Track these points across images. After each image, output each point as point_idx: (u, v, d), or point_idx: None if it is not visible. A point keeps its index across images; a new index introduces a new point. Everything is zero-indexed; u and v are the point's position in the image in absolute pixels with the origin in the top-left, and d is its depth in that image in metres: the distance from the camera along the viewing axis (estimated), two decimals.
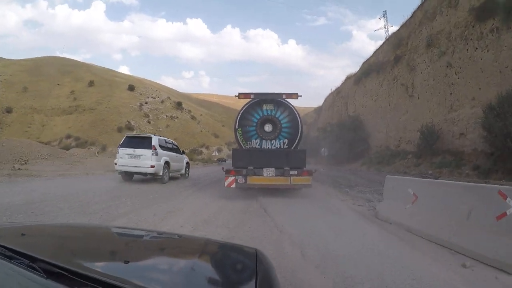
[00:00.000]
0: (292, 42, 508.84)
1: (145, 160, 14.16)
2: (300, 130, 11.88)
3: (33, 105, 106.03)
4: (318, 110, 63.78)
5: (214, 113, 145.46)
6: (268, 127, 11.85)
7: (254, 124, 11.91)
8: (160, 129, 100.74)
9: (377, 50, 40.02)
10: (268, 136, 11.81)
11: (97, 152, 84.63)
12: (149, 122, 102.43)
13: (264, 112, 11.93)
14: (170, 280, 1.37)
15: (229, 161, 18.01)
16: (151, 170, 14.16)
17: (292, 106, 12.03)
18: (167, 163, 15.14)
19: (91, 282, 1.07)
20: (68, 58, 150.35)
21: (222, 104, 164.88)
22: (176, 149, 17.24)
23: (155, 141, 14.76)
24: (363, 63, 41.85)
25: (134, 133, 15.23)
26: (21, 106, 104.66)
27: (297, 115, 11.98)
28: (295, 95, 11.67)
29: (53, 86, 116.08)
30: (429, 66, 28.04)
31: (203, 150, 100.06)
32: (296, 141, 11.87)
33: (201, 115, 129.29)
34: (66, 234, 2.11)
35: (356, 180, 18.76)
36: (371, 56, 40.47)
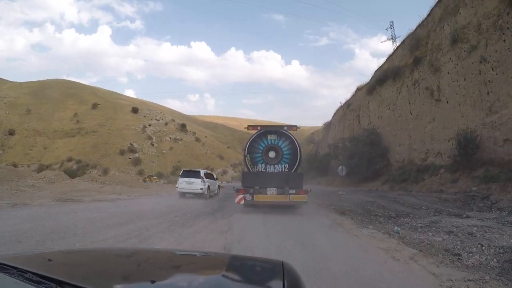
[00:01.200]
0: (295, 62, 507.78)
1: (197, 185, 21.08)
2: (299, 157, 14.13)
3: (35, 128, 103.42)
4: (327, 126, 58.90)
5: (219, 134, 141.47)
6: (272, 154, 14.01)
7: (260, 151, 14.07)
8: (164, 152, 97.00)
9: (391, 55, 35.42)
10: (272, 161, 13.97)
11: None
12: (152, 145, 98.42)
13: (268, 142, 14.05)
14: None
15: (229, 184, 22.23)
16: (200, 191, 21.02)
17: (293, 136, 14.23)
18: (208, 187, 22.00)
19: None
20: (73, 81, 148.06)
21: (227, 125, 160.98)
22: (212, 177, 25.05)
23: (202, 173, 22.13)
24: (376, 70, 37.30)
25: (189, 168, 25.36)
26: (24, 129, 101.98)
27: (297, 144, 14.18)
28: (294, 127, 14.40)
29: (57, 109, 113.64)
30: (457, 64, 23.38)
31: (189, 169, 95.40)
32: (296, 166, 13.99)
33: (206, 137, 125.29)
34: (92, 258, 2.10)
35: (393, 207, 13.83)
36: (384, 63, 35.86)
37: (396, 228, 9.10)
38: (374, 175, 30.93)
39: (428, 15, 28.31)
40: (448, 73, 24.28)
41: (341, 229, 9.25)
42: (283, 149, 14.02)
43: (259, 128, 14.63)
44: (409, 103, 28.86)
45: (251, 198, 12.70)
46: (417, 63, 28.32)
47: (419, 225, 9.61)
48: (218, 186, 25.78)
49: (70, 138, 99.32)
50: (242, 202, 12.85)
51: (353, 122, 42.18)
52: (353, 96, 43.81)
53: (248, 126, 14.94)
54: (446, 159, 23.27)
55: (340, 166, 24.95)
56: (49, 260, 1.67)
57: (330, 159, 44.63)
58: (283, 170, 13.90)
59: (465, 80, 22.50)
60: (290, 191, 12.53)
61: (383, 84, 33.49)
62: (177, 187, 22.06)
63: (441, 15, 26.05)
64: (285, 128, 14.43)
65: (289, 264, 1.62)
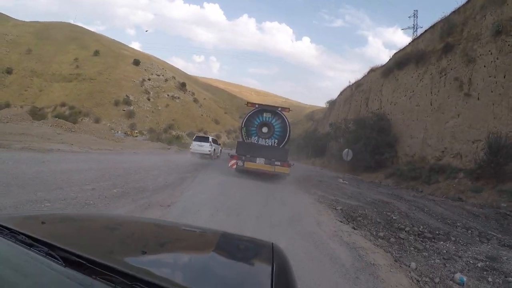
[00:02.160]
0: (306, 39, 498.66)
1: (206, 148, 25.45)
2: (288, 134, 16.06)
3: (34, 68, 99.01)
4: (331, 104, 54.07)
5: (219, 99, 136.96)
6: (265, 129, 15.97)
7: (255, 126, 16.05)
8: (159, 108, 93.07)
9: (416, 38, 30.84)
10: (264, 135, 15.94)
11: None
12: (149, 99, 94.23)
13: (263, 118, 16.02)
14: (186, 272, 1.33)
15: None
16: (208, 153, 25.40)
17: (285, 116, 16.09)
18: (214, 150, 26.80)
19: (108, 271, 1.06)
20: (78, 26, 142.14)
21: (228, 91, 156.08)
22: (217, 142, 30.83)
23: (210, 139, 26.91)
24: (396, 52, 32.88)
25: (200, 134, 33.41)
26: (22, 68, 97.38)
27: (287, 124, 16.00)
28: (287, 109, 16.60)
29: (58, 51, 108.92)
30: (497, 58, 19.47)
31: (202, 135, 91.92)
32: (284, 142, 15.98)
33: (204, 99, 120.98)
34: (86, 223, 2.09)
35: (421, 218, 9.90)
36: (407, 45, 31.33)
37: (459, 276, 5.50)
38: (377, 165, 27.28)
39: (468, 1, 24.09)
40: (484, 66, 20.36)
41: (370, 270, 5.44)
42: (275, 127, 15.86)
43: (257, 105, 16.38)
44: (431, 93, 24.95)
45: (242, 164, 14.49)
46: (447, 51, 24.22)
47: (478, 264, 6.07)
48: (220, 150, 32.13)
49: (67, 82, 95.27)
50: (234, 167, 14.73)
51: (360, 104, 38.18)
52: (365, 76, 39.39)
53: (248, 102, 17.07)
54: (467, 162, 19.73)
55: (346, 149, 20.96)
56: (43, 223, 1.64)
57: (330, 139, 40.81)
58: (273, 144, 15.73)
59: (504, 77, 18.74)
60: (276, 163, 14.24)
61: (403, 68, 29.25)
62: (190, 148, 26.23)
63: (483, 3, 21.92)
64: (279, 108, 16.41)
65: (278, 246, 1.63)
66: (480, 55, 20.94)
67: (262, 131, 15.98)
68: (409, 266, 5.69)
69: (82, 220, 2.18)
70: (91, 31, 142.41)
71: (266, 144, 15.89)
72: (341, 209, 9.28)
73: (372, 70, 37.38)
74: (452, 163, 21.14)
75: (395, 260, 5.87)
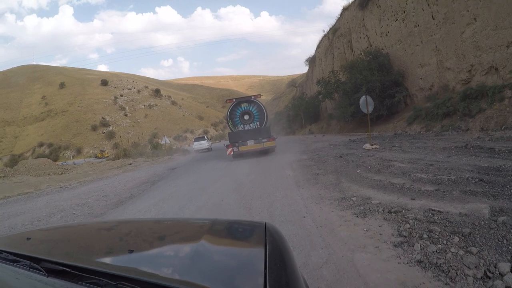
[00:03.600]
0: (264, 14, 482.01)
1: (205, 144, 31.99)
2: (265, 115, 17.97)
3: (4, 118, 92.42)
4: (311, 61, 46.01)
5: (197, 95, 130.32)
6: (246, 117, 17.84)
7: (238, 116, 17.90)
8: (139, 120, 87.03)
9: None
10: (247, 122, 17.83)
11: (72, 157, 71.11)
12: (126, 115, 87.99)
13: (242, 108, 17.91)
14: (175, 264, 1.26)
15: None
16: (207, 147, 31.85)
17: (259, 101, 18.10)
18: (210, 145, 34.04)
19: (95, 275, 1.01)
20: (38, 65, 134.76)
21: (204, 85, 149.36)
22: (209, 140, 38.43)
23: (206, 137, 34.89)
24: None
25: (197, 135, 37.91)
26: None
27: (263, 107, 17.99)
28: (259, 95, 18.85)
29: (24, 95, 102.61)
30: None
31: (188, 135, 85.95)
32: (264, 122, 17.86)
33: (183, 99, 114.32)
34: (71, 233, 1.98)
35: None
36: None
37: None
38: (389, 112, 21.50)
39: None
40: None
41: None
42: (254, 112, 17.94)
43: (234, 100, 18.41)
44: (428, 4, 19.12)
45: (237, 149, 16.70)
46: None
47: None
48: (211, 143, 38.11)
49: (40, 122, 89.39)
50: (232, 154, 16.91)
51: (344, 51, 32.10)
52: (339, 19, 32.97)
53: (226, 100, 19.43)
54: (506, 75, 14.33)
55: (363, 97, 14.94)
56: (28, 239, 1.62)
57: (321, 100, 34.80)
58: (256, 127, 17.72)
59: None
60: (263, 140, 16.66)
61: None
62: (193, 147, 32.80)
63: None
64: (253, 97, 18.37)
65: (272, 225, 1.50)
66: None
67: (244, 118, 17.92)
68: None
69: (67, 231, 2.03)
70: (51, 66, 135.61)
71: (251, 128, 17.69)
72: None
73: (345, 9, 31.06)
74: (487, 81, 15.65)
75: None
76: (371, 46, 25.33)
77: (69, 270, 1.05)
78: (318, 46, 40.69)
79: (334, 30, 34.11)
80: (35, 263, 1.12)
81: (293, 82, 67.17)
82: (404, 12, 21.21)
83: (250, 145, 16.66)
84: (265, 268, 1.05)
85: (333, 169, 8.20)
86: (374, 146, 11.52)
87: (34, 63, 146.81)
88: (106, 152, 60.50)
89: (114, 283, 0.95)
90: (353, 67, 24.19)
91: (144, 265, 1.22)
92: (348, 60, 28.72)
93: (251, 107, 18.00)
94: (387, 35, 23.41)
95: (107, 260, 1.34)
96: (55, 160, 70.20)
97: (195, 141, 33.33)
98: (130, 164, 21.44)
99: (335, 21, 34.45)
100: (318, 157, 11.90)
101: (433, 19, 18.82)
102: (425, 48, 19.66)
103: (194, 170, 13.90)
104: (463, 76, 17.10)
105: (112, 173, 17.09)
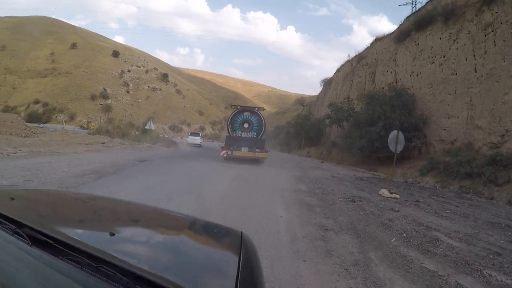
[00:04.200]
0: (291, 28, 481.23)
1: (197, 140, 35.32)
2: (264, 129, 19.00)
3: (8, 65, 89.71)
4: (326, 83, 43.79)
5: (203, 90, 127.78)
6: (246, 125, 18.84)
7: (238, 123, 18.90)
8: (139, 101, 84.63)
9: None
10: (246, 130, 18.82)
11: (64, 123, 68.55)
12: (128, 92, 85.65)
13: (244, 117, 18.96)
14: (153, 256, 1.27)
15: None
16: (199, 143, 35.43)
17: (261, 114, 19.20)
18: (201, 142, 37.21)
19: (75, 252, 1.02)
20: (57, 20, 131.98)
21: (214, 82, 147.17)
22: (202, 137, 40.91)
23: (200, 134, 39.67)
24: (409, 16, 25.13)
25: (193, 131, 39.97)
26: None
27: (263, 120, 19.07)
28: (262, 108, 20.35)
29: (34, 47, 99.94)
30: None
31: (184, 127, 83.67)
32: (261, 134, 18.85)
33: (188, 90, 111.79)
34: (56, 201, 1.98)
35: None
36: (428, 2, 23.42)
37: None
38: (401, 157, 19.37)
39: None
40: None
41: None
42: (254, 122, 18.95)
43: (238, 107, 19.66)
44: (474, 56, 17.21)
45: (231, 153, 17.58)
46: (490, 1, 16.83)
47: None
48: (203, 140, 40.82)
49: (42, 78, 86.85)
50: (225, 155, 17.69)
51: (365, 80, 30.06)
52: (368, 48, 31.33)
53: (231, 105, 22.52)
54: None
55: (394, 132, 12.92)
56: (12, 199, 1.59)
57: (328, 124, 32.84)
58: (253, 136, 18.75)
59: None
60: (256, 150, 17.67)
61: (425, 28, 21.19)
62: (187, 140, 35.99)
63: None
64: (256, 108, 19.87)
65: (247, 235, 1.52)
66: None
67: (244, 126, 18.86)
68: None
69: (52, 198, 2.03)
70: (70, 24, 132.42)
71: (248, 136, 18.63)
72: None
73: (378, 39, 29.27)
74: None
75: None
76: (396, 82, 23.37)
77: (51, 242, 1.03)
78: (338, 70, 38.71)
79: (359, 57, 32.18)
80: (19, 227, 1.12)
81: (302, 100, 64.78)
82: (444, 57, 19.30)
83: (244, 151, 17.58)
84: (238, 274, 1.06)
85: (348, 224, 5.88)
86: (394, 196, 9.36)
87: (54, 17, 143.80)
88: (92, 124, 58.03)
89: (95, 265, 0.95)
90: (373, 98, 22.16)
91: (125, 251, 1.20)
92: (367, 91, 26.77)
93: (252, 117, 19.07)
94: (417, 75, 21.47)
95: (89, 238, 1.31)
96: (46, 122, 68.06)
97: (190, 135, 37.71)
98: (104, 143, 19.01)
99: (364, 49, 32.56)
100: (321, 192, 9.66)
101: (475, 71, 16.93)
102: (457, 99, 17.71)
103: (163, 170, 11.53)
104: (494, 139, 15.15)
105: (75, 150, 14.49)
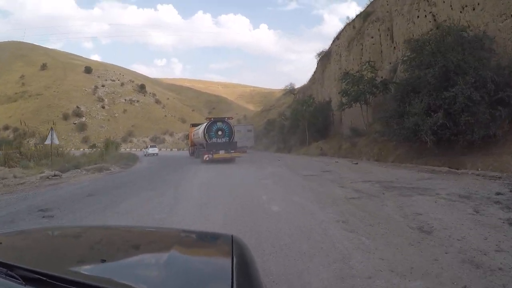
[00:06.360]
0: (263, 26, 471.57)
1: (155, 151, 41.35)
2: (233, 134, 21.48)
3: None
4: (323, 58, 32.82)
5: (184, 97, 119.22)
6: (220, 132, 21.07)
7: (213, 131, 21.08)
8: (116, 115, 76.19)
9: None
10: (219, 136, 21.05)
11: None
12: (103, 107, 77.25)
13: (217, 126, 21.31)
14: (145, 274, 1.24)
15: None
16: (156, 153, 39.64)
17: (230, 123, 22.15)
18: (157, 152, 41.10)
19: (69, 285, 0.99)
20: (24, 42, 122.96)
21: (194, 88, 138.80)
22: (157, 148, 45.81)
23: (156, 146, 48.87)
24: None
25: (151, 144, 40.19)
26: None
27: (232, 127, 21.79)
28: (231, 117, 24.12)
29: (3, 72, 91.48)
30: None
31: (167, 137, 75.54)
32: (232, 138, 21.35)
33: (168, 99, 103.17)
34: (43, 238, 1.89)
35: None
36: None
37: None
38: (482, 142, 11.13)
39: None
40: None
41: None
42: (225, 130, 21.27)
43: (212, 119, 22.71)
44: None
45: (212, 156, 19.76)
46: None
47: None
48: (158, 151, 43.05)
49: (12, 103, 78.36)
50: (207, 159, 19.67)
51: (379, 40, 21.83)
52: (374, 1, 23.38)
53: (206, 118, 24.51)
54: None
55: None
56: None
57: (346, 104, 21.67)
58: (227, 141, 21.06)
59: None
60: (231, 151, 20.43)
61: None
62: (147, 151, 39.49)
63: None
64: (226, 118, 22.73)
65: (238, 238, 1.51)
66: None
67: (218, 134, 21.13)
68: None
69: (38, 235, 1.94)
70: (38, 46, 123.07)
71: (223, 142, 21.08)
72: None
73: None
74: None
75: None
76: (437, 28, 15.17)
77: (44, 279, 1.01)
78: (337, 38, 29.58)
79: (365, 15, 24.04)
80: (10, 270, 1.07)
81: (291, 89, 52.87)
82: None
83: (221, 154, 20.02)
84: (232, 278, 1.05)
85: None
86: None
87: (25, 41, 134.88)
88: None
89: None
90: (438, 46, 13.00)
91: (117, 275, 1.18)
92: (384, 54, 18.77)
93: (224, 126, 21.37)
94: (474, 9, 13.68)
95: (80, 268, 1.28)
96: (17, 148, 59.81)
97: (150, 147, 43.04)
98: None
99: (367, 4, 24.56)
100: None
101: None
102: None
103: None
104: None
105: None
